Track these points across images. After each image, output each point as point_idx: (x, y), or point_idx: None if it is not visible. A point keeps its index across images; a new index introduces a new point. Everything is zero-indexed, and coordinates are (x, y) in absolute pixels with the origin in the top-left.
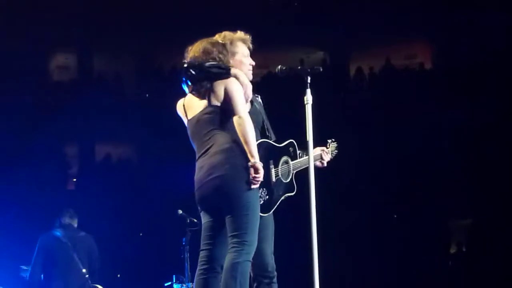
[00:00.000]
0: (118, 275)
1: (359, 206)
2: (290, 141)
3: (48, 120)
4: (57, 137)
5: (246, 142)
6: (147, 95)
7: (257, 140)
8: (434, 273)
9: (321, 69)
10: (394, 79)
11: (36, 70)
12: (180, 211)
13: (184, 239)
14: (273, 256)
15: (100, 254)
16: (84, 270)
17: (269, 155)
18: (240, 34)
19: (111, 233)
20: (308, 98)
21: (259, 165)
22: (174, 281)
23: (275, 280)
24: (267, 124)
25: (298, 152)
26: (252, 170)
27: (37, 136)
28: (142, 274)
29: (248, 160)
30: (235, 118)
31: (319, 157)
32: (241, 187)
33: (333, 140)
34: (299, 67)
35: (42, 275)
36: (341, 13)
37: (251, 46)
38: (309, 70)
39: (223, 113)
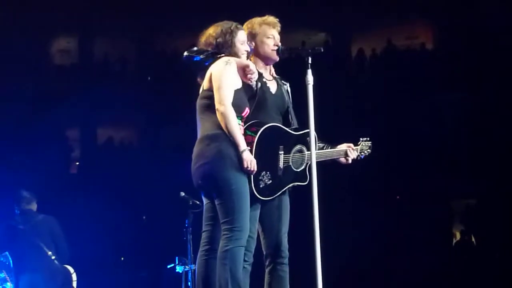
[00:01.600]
0: (122, 258)
1: (361, 188)
2: (309, 131)
3: (50, 103)
4: (59, 120)
5: (229, 132)
6: (149, 78)
7: (267, 124)
8: (437, 253)
9: (322, 50)
10: (396, 60)
11: (37, 54)
12: (183, 193)
13: (186, 221)
14: (286, 236)
15: (65, 234)
16: (49, 253)
17: (280, 140)
18: (266, 17)
19: (115, 216)
20: (309, 79)
21: (247, 155)
22: (176, 262)
23: (286, 261)
24: (291, 112)
25: (319, 143)
26: (244, 162)
27: (39, 119)
28: (145, 256)
29: (234, 146)
30: (216, 107)
31: (343, 152)
32: (223, 173)
33: (367, 139)
34: (300, 48)
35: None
36: None
37: (278, 28)
38: (310, 50)
39: (213, 99)
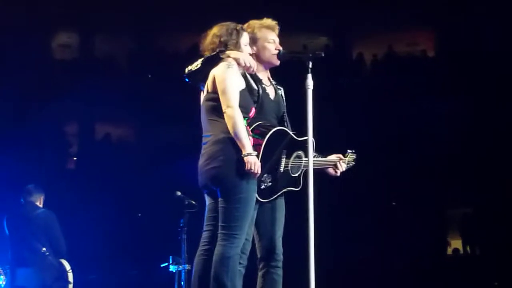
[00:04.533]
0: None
1: (357, 193)
2: (308, 138)
3: (49, 98)
4: (57, 115)
5: (235, 135)
6: (149, 75)
7: (272, 126)
8: (432, 260)
9: (323, 55)
10: (397, 66)
11: (38, 48)
12: (179, 193)
13: (182, 221)
14: (281, 240)
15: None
16: (44, 249)
17: (284, 144)
18: (265, 20)
19: (110, 214)
20: (309, 83)
21: (251, 158)
22: (170, 262)
23: (280, 264)
24: (286, 117)
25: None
26: (247, 164)
27: (37, 113)
28: (139, 254)
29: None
30: (224, 110)
31: (333, 163)
32: (234, 179)
33: (353, 151)
34: (300, 52)
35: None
36: None
37: (277, 31)
38: (310, 55)
39: (220, 101)
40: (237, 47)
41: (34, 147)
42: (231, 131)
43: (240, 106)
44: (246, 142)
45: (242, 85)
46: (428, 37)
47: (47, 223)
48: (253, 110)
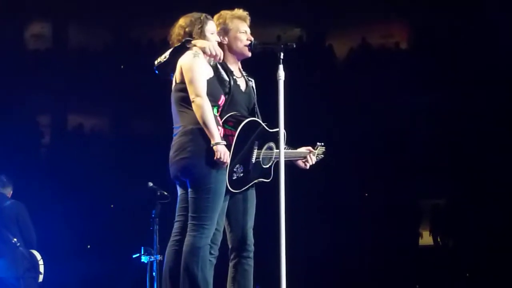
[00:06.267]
0: (88, 246)
1: (329, 185)
2: (280, 130)
3: (21, 87)
4: (29, 105)
5: (204, 124)
6: (122, 66)
7: (243, 117)
8: (405, 252)
9: (295, 46)
10: (370, 59)
11: (10, 38)
12: (151, 183)
13: (153, 211)
14: (252, 230)
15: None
16: (14, 240)
17: (256, 135)
18: (236, 11)
19: (82, 204)
20: (281, 74)
21: (220, 147)
22: (142, 253)
23: (251, 255)
24: (257, 109)
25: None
26: (216, 153)
27: (10, 103)
28: (111, 245)
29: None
30: (192, 99)
31: (303, 155)
32: (203, 170)
33: (322, 144)
34: (272, 43)
35: None
36: None
37: (248, 22)
38: (282, 46)
39: (187, 91)
40: (201, 36)
41: (5, 138)
42: (199, 121)
43: (208, 94)
44: (215, 131)
45: (210, 73)
46: (403, 29)
47: (19, 213)
48: (222, 97)
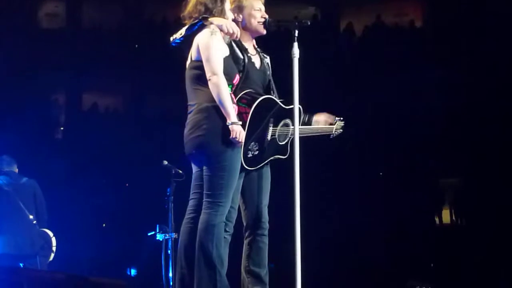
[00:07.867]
0: (104, 224)
1: (345, 165)
2: (294, 107)
3: (36, 67)
4: (44, 84)
5: (220, 103)
6: (136, 46)
7: (258, 95)
8: (420, 232)
9: (309, 23)
10: (384, 37)
11: (25, 17)
12: (166, 162)
13: (168, 190)
14: (267, 208)
15: (45, 199)
16: (31, 217)
17: (271, 113)
18: None
19: (97, 183)
20: (295, 51)
21: (236, 127)
22: (157, 230)
23: (266, 232)
24: (273, 85)
25: (303, 117)
26: (232, 132)
27: (25, 83)
28: (126, 223)
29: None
30: (208, 77)
31: (321, 131)
32: (218, 147)
33: (341, 119)
34: (287, 20)
35: None
36: None
37: (263, 0)
38: (296, 23)
39: (203, 69)
40: (222, 14)
41: (20, 117)
42: (216, 99)
43: (224, 73)
44: (231, 110)
45: (226, 52)
46: (417, 8)
47: (35, 192)
48: (237, 77)
